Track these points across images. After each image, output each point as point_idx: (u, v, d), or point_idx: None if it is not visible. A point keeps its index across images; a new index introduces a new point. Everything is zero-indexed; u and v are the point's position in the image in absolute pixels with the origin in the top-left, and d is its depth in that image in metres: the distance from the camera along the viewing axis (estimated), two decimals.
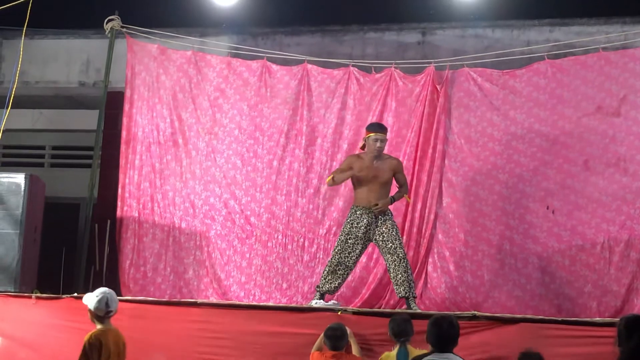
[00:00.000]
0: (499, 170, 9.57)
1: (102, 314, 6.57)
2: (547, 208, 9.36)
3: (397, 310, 8.64)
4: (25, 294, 8.56)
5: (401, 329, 7.00)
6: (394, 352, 6.96)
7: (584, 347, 6.72)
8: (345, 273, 8.72)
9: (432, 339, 5.97)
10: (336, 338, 7.11)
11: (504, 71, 9.75)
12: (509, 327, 7.37)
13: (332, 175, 8.83)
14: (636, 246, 8.99)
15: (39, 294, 8.50)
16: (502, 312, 8.77)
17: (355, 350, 7.33)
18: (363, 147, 8.79)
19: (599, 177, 9.27)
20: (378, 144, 8.58)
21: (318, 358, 7.17)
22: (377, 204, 8.56)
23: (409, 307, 8.44)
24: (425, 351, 6.24)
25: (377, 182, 8.64)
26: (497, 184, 9.55)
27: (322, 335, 7.28)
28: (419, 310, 8.28)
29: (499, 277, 9.37)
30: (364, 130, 9.01)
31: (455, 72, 9.86)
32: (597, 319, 7.72)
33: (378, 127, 8.70)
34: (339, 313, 7.72)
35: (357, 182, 8.72)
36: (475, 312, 7.84)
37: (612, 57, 9.45)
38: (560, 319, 7.43)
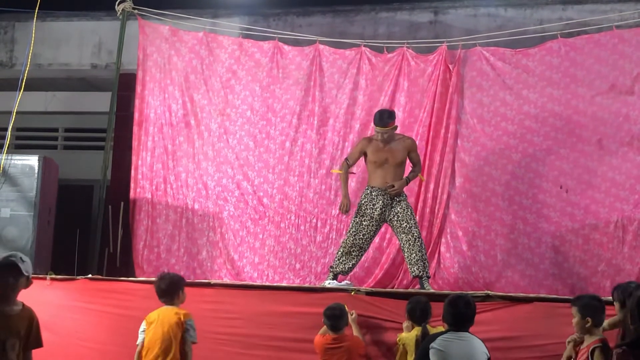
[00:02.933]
0: (512, 149, 9.54)
1: None
2: (561, 187, 9.34)
3: (410, 290, 8.66)
4: (40, 276, 8.58)
5: (423, 311, 7.00)
6: (413, 334, 6.96)
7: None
8: (360, 254, 8.73)
9: (449, 318, 6.01)
10: (335, 317, 7.11)
11: (517, 50, 9.69)
12: (523, 306, 7.38)
13: (341, 170, 8.88)
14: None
15: (53, 276, 8.54)
16: (515, 291, 8.76)
17: (355, 333, 7.34)
18: None
19: (612, 156, 9.23)
20: (380, 137, 8.57)
21: (319, 341, 7.18)
22: (393, 185, 8.55)
23: (422, 286, 8.45)
24: (441, 328, 6.28)
25: (391, 163, 8.63)
26: (510, 163, 9.52)
27: None
28: (432, 290, 8.29)
29: (512, 257, 9.36)
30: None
31: (468, 52, 9.81)
32: (611, 297, 7.70)
33: (379, 120, 8.56)
34: (352, 293, 7.72)
35: (372, 164, 8.71)
36: (489, 292, 7.85)
37: (626, 35, 9.39)
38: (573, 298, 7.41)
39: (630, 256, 8.99)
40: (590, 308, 5.86)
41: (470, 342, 5.90)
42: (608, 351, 5.66)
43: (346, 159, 8.92)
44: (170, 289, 6.90)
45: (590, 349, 5.70)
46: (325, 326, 7.24)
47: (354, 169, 9.20)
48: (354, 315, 7.41)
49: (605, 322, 6.02)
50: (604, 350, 5.67)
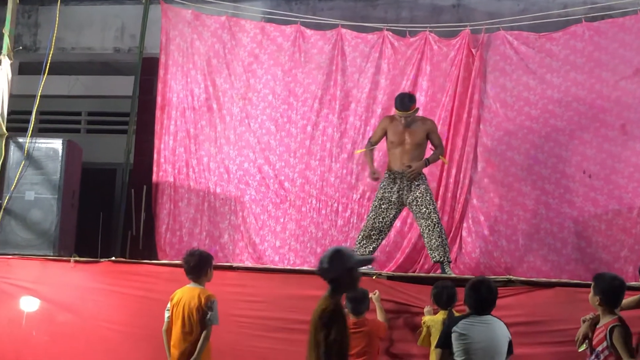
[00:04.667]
0: (535, 134, 9.49)
1: None
2: (584, 172, 9.29)
3: (431, 274, 8.67)
4: (64, 258, 8.68)
5: (450, 296, 7.03)
6: (439, 317, 6.98)
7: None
8: (380, 238, 8.75)
9: (471, 302, 6.06)
10: (357, 301, 7.11)
11: (541, 34, 9.63)
12: (545, 291, 7.41)
13: (364, 149, 8.92)
14: None
15: (77, 258, 8.61)
16: (537, 276, 8.76)
17: (380, 315, 7.36)
18: None
19: (636, 141, 9.18)
20: (403, 121, 8.58)
21: None
22: (410, 166, 8.55)
23: (443, 271, 8.46)
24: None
25: (410, 144, 8.64)
26: (533, 148, 9.48)
27: None
28: (453, 275, 8.30)
29: (534, 242, 9.33)
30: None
31: (491, 36, 9.76)
32: (634, 283, 7.67)
33: (400, 104, 8.58)
34: (374, 277, 7.75)
35: (390, 144, 8.73)
36: (511, 277, 7.86)
37: None
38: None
39: None
40: (606, 287, 5.84)
41: (492, 325, 5.96)
42: (627, 330, 5.66)
43: (369, 139, 8.99)
44: (198, 265, 6.93)
45: (609, 327, 5.70)
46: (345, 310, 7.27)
47: (375, 153, 9.16)
48: (377, 294, 7.44)
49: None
50: (623, 329, 5.67)
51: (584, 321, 6.01)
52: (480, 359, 5.83)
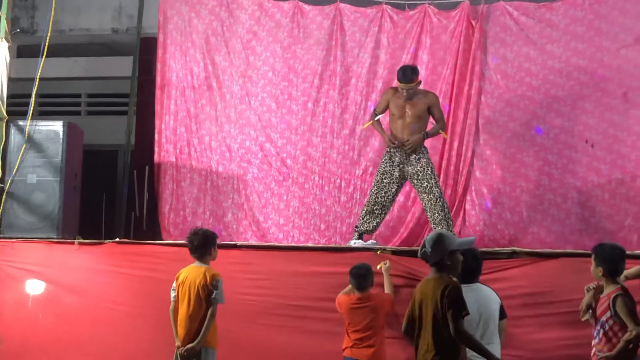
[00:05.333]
0: (537, 105, 9.47)
1: None
2: (586, 142, 9.27)
3: None
4: (68, 240, 8.69)
5: None
6: None
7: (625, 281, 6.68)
8: (383, 212, 8.76)
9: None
10: (360, 276, 7.17)
11: (540, 4, 9.58)
12: (550, 261, 7.41)
13: (370, 122, 8.90)
14: None
15: (81, 240, 8.62)
16: (541, 247, 8.77)
17: (387, 287, 7.37)
18: None
19: (638, 109, 9.16)
20: (405, 93, 8.55)
21: (344, 300, 7.23)
22: (409, 140, 8.53)
23: None
24: None
25: (410, 116, 8.62)
26: (535, 119, 9.46)
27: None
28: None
29: (537, 213, 9.33)
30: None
31: (491, 7, 9.70)
32: (639, 251, 7.69)
33: (403, 77, 8.56)
34: (378, 252, 7.76)
35: (392, 116, 8.73)
36: (515, 248, 7.86)
37: None
38: None
39: None
40: (606, 257, 5.87)
41: (481, 292, 6.15)
42: (630, 299, 5.67)
43: (374, 110, 8.99)
44: (202, 244, 6.95)
45: (612, 297, 5.71)
46: (349, 286, 7.28)
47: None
48: (387, 265, 7.45)
49: (622, 274, 6.05)
50: (626, 298, 5.68)
51: (587, 290, 6.03)
52: (473, 324, 5.88)
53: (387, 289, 7.39)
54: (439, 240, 5.51)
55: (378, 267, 7.53)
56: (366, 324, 7.09)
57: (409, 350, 6.94)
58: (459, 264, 5.55)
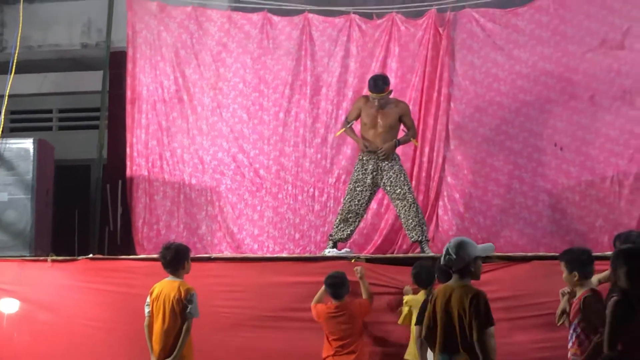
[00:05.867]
0: (505, 110, 9.52)
1: None
2: (555, 145, 9.35)
3: (410, 255, 8.73)
4: (41, 258, 8.65)
5: (429, 275, 7.09)
6: (421, 297, 7.03)
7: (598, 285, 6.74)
8: (357, 220, 8.79)
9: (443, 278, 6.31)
10: (336, 286, 7.23)
11: (507, 10, 9.64)
12: (522, 265, 7.47)
13: (343, 129, 8.92)
14: None
15: (54, 257, 8.59)
16: (513, 250, 8.82)
17: (365, 291, 7.41)
18: None
19: (605, 111, 9.22)
20: (376, 103, 8.59)
21: (322, 310, 7.27)
22: (381, 149, 8.58)
23: (422, 250, 8.53)
24: None
25: (382, 126, 8.67)
26: (504, 124, 9.52)
27: (322, 288, 7.36)
28: (432, 254, 8.34)
29: (509, 217, 9.39)
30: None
31: (457, 14, 9.76)
32: (609, 253, 7.74)
33: (374, 87, 8.59)
34: (352, 261, 7.79)
35: (364, 126, 8.76)
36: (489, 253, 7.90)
37: None
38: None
39: (628, 210, 9.03)
40: (578, 262, 5.94)
41: None
42: (599, 299, 5.73)
43: (346, 118, 9.01)
44: (175, 259, 6.95)
45: (582, 299, 5.78)
46: (319, 293, 7.33)
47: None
48: (360, 270, 7.49)
49: (595, 278, 6.13)
50: (595, 298, 5.74)
51: (562, 295, 6.09)
52: None
53: (364, 294, 7.43)
54: (463, 246, 5.56)
55: (352, 260, 7.68)
56: (345, 331, 7.15)
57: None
58: (480, 270, 5.64)
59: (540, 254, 8.18)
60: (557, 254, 7.55)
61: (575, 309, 5.82)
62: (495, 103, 9.57)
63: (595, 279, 6.17)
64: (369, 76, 9.41)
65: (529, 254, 8.14)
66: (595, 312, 5.66)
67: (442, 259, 5.62)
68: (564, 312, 6.04)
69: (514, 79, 9.52)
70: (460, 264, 5.53)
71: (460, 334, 5.43)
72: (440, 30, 9.72)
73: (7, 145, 9.07)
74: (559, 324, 6.16)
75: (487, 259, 7.53)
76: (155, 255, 7.92)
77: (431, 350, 5.81)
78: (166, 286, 6.89)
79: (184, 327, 6.74)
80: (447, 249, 5.57)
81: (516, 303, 7.29)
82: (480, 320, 5.37)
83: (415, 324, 6.72)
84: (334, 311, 7.20)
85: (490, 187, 9.46)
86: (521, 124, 9.47)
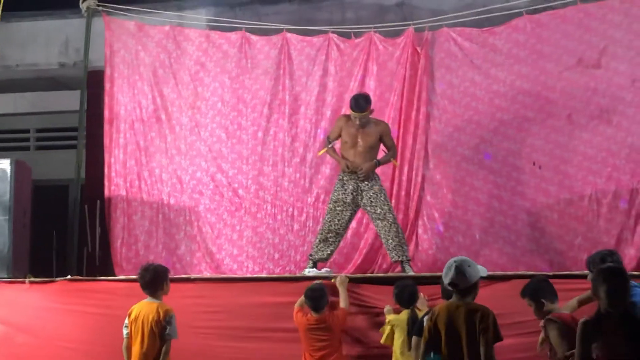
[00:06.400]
0: (484, 129, 9.55)
1: None
2: (534, 164, 9.37)
3: (390, 274, 8.73)
4: (19, 279, 8.59)
5: (411, 294, 7.10)
6: (403, 316, 7.02)
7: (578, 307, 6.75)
8: (337, 240, 8.77)
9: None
10: (316, 299, 7.25)
11: (484, 29, 9.69)
12: (501, 284, 7.45)
13: (325, 149, 8.91)
14: (623, 197, 9.01)
15: (32, 278, 8.53)
16: (493, 269, 8.77)
17: (343, 300, 7.40)
18: None
19: (583, 130, 9.27)
20: (357, 122, 8.59)
21: (302, 321, 7.27)
22: (362, 169, 8.57)
23: (403, 270, 8.51)
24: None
25: (363, 146, 8.66)
26: (483, 143, 9.55)
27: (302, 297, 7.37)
28: (412, 273, 8.34)
29: (489, 236, 9.40)
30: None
31: (435, 33, 9.80)
32: (588, 271, 7.77)
33: (356, 106, 8.57)
34: (332, 281, 7.77)
35: (344, 144, 8.75)
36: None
37: (591, 9, 9.40)
38: (551, 273, 7.50)
39: (606, 229, 9.06)
40: (541, 291, 6.02)
41: None
42: (560, 324, 5.73)
43: (327, 137, 8.99)
44: (153, 280, 6.91)
45: (543, 324, 5.83)
46: (300, 299, 7.32)
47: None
48: (340, 279, 7.47)
49: (575, 299, 6.16)
50: (554, 323, 5.76)
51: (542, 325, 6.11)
52: None
53: (342, 303, 7.42)
54: (472, 265, 5.70)
55: (332, 279, 7.67)
56: (324, 343, 7.16)
57: None
58: (478, 288, 5.75)
59: (520, 272, 8.18)
60: (539, 273, 7.68)
61: (541, 336, 5.86)
62: (474, 122, 9.60)
63: (575, 300, 6.20)
64: (347, 95, 9.47)
65: (509, 272, 8.15)
66: (554, 337, 5.71)
67: (450, 277, 5.62)
68: (544, 340, 6.06)
69: (492, 97, 9.56)
70: (469, 283, 5.62)
71: (468, 351, 5.48)
72: (419, 49, 9.76)
73: None
74: (539, 350, 6.18)
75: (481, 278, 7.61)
76: (134, 277, 7.87)
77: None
78: (144, 307, 6.84)
79: (163, 349, 6.70)
80: (457, 267, 5.62)
81: (509, 320, 7.28)
82: (492, 335, 5.47)
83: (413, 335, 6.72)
84: (313, 324, 7.22)
85: (470, 206, 9.48)
86: (499, 142, 9.50)
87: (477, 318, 5.50)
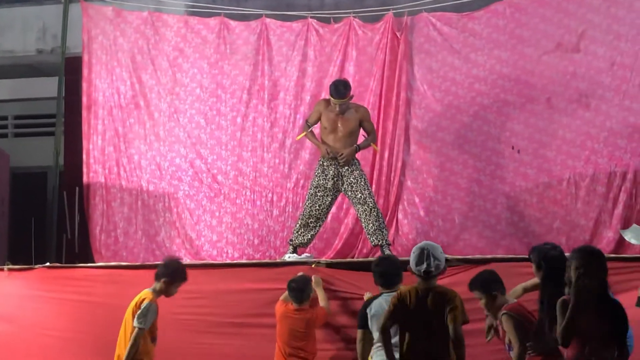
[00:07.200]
0: (463, 113, 9.57)
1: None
2: (513, 148, 9.41)
3: (370, 259, 8.71)
4: None
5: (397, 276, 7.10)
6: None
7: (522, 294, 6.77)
8: (317, 225, 8.77)
9: (377, 278, 6.61)
10: (298, 290, 7.22)
11: (463, 14, 9.69)
12: (480, 268, 7.45)
13: (304, 133, 8.88)
14: (601, 180, 9.09)
15: (11, 266, 8.49)
16: (473, 253, 8.90)
17: (322, 300, 7.40)
18: None
19: (562, 114, 9.31)
20: (337, 108, 8.57)
21: (281, 308, 7.26)
22: (342, 154, 8.57)
23: (383, 254, 8.51)
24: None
25: (343, 131, 8.65)
26: (462, 127, 9.56)
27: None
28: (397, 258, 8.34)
29: (468, 220, 9.44)
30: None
31: (414, 18, 9.79)
32: (567, 254, 7.81)
33: (335, 92, 8.53)
34: (313, 266, 7.79)
35: (324, 130, 8.73)
36: (447, 256, 7.91)
37: None
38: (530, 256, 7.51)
39: (584, 212, 9.13)
40: (493, 283, 6.04)
41: None
42: (514, 315, 5.78)
43: (306, 121, 8.96)
44: (161, 272, 6.86)
45: (499, 317, 5.86)
46: (285, 294, 7.32)
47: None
48: (317, 279, 7.47)
49: (520, 286, 6.21)
50: (509, 315, 5.78)
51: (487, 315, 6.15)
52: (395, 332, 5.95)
53: (321, 302, 7.42)
54: (439, 250, 5.85)
55: (312, 265, 7.74)
56: (298, 335, 7.13)
57: None
58: None
59: (499, 256, 8.24)
60: (515, 256, 7.70)
61: (501, 327, 5.89)
62: (453, 107, 9.61)
63: (520, 287, 6.25)
64: (327, 80, 9.46)
65: (488, 256, 8.18)
66: (509, 329, 5.74)
67: (426, 265, 5.68)
68: (490, 327, 6.10)
69: (472, 82, 9.57)
70: (441, 268, 5.77)
71: (437, 334, 5.61)
72: (398, 34, 9.75)
73: None
74: (488, 340, 6.21)
75: (446, 261, 7.62)
76: (113, 263, 7.87)
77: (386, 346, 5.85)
78: (137, 296, 6.81)
79: (131, 338, 6.59)
80: (431, 254, 5.72)
81: (474, 306, 7.29)
82: (459, 317, 5.61)
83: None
84: (293, 313, 7.20)
85: (450, 190, 9.50)
86: (479, 127, 9.52)
87: (445, 301, 5.63)
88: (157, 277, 6.84)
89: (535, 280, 6.05)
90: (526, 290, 6.27)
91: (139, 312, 6.60)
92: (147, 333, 6.64)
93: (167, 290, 6.84)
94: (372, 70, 9.78)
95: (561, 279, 5.19)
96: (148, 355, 6.69)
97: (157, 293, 6.79)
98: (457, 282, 7.35)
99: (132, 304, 6.73)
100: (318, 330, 7.34)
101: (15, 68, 12.28)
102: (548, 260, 5.77)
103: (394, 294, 6.01)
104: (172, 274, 6.85)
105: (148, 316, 6.61)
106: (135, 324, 6.58)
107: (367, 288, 7.33)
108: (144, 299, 6.70)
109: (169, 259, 7.12)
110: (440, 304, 5.63)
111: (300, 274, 7.50)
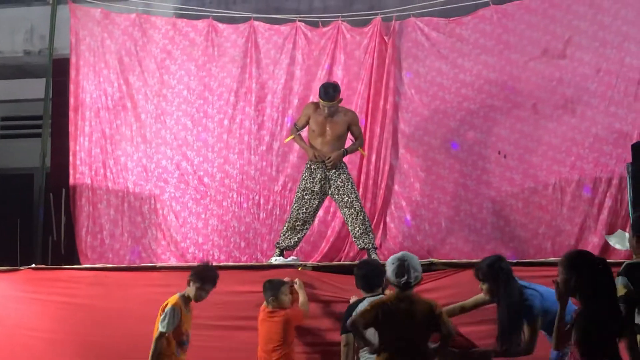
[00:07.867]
0: (450, 118, 9.61)
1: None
2: (499, 153, 9.45)
3: (356, 262, 8.73)
4: None
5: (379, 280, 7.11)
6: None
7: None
8: (304, 228, 8.77)
9: (358, 282, 6.61)
10: (264, 289, 7.25)
11: (450, 19, 9.74)
12: (465, 272, 7.49)
13: (292, 136, 8.87)
14: (587, 185, 9.12)
15: None
16: (459, 257, 8.91)
17: (302, 303, 7.39)
18: None
19: (547, 119, 9.35)
20: (326, 111, 8.59)
21: (260, 313, 7.25)
22: (329, 157, 8.59)
23: (369, 258, 8.52)
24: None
25: (331, 135, 8.66)
26: (449, 132, 9.60)
27: None
28: (379, 261, 8.35)
29: (455, 224, 9.47)
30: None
31: (402, 23, 9.84)
32: (552, 259, 7.85)
33: (324, 95, 8.54)
34: (299, 269, 7.78)
35: (312, 133, 8.75)
36: (433, 260, 7.96)
37: (556, 0, 9.50)
38: (515, 260, 7.54)
39: (570, 217, 9.16)
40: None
41: None
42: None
43: (295, 124, 8.95)
44: (195, 276, 6.90)
45: None
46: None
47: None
48: (298, 283, 7.47)
49: (459, 305, 6.35)
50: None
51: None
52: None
53: (301, 304, 7.41)
54: (416, 260, 5.83)
55: (299, 268, 7.74)
56: (275, 336, 7.11)
57: None
58: None
59: None
60: None
61: None
62: (441, 111, 9.65)
63: (458, 306, 6.39)
64: (315, 84, 9.48)
65: (473, 260, 8.20)
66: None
67: (407, 277, 5.68)
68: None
69: (459, 87, 9.61)
70: (419, 278, 5.79)
71: (418, 344, 5.60)
72: (386, 38, 9.79)
73: None
74: None
75: (432, 265, 7.66)
76: (99, 265, 7.85)
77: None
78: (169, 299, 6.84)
79: (153, 341, 6.66)
80: (411, 266, 5.72)
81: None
82: (449, 329, 5.61)
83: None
84: (266, 316, 7.19)
85: (437, 195, 9.53)
86: (465, 132, 9.57)
87: (429, 309, 5.63)
88: (188, 282, 6.88)
89: (477, 297, 6.13)
90: (464, 309, 6.37)
91: (164, 318, 6.66)
92: (171, 337, 6.68)
93: (196, 295, 6.88)
94: (360, 74, 9.81)
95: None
96: (170, 358, 6.71)
97: (184, 298, 6.83)
98: (442, 286, 7.42)
99: (161, 307, 6.76)
100: (303, 334, 7.35)
101: (2, 69, 12.24)
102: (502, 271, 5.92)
103: (373, 299, 6.02)
104: (202, 279, 6.87)
105: (167, 320, 6.64)
106: (161, 328, 6.65)
107: (353, 291, 7.31)
108: (167, 303, 6.74)
109: (201, 264, 7.13)
110: (421, 314, 5.61)
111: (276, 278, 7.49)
